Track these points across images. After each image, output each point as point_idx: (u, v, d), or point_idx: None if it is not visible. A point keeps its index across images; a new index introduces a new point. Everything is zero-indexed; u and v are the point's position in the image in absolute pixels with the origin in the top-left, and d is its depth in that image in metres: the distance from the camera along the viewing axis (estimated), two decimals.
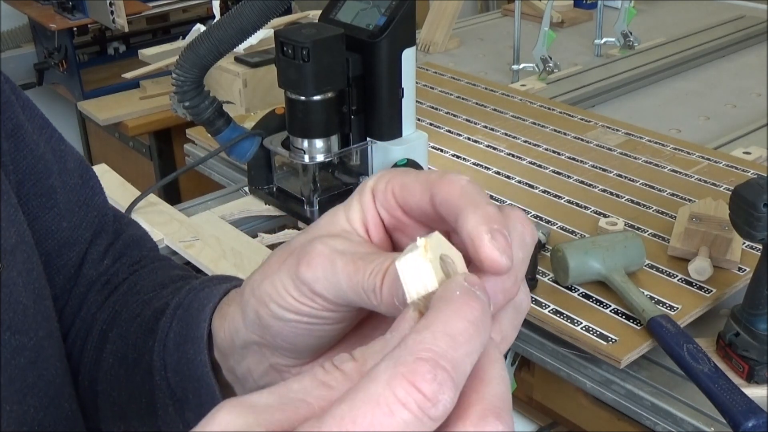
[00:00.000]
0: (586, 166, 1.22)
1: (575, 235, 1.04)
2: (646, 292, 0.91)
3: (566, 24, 1.95)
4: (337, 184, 1.15)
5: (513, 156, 1.26)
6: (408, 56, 1.06)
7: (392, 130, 1.09)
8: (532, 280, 0.92)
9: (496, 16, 2.12)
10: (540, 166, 1.23)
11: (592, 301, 0.91)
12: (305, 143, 1.05)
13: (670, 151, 1.26)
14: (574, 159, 1.24)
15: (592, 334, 0.85)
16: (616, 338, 0.84)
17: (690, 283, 0.93)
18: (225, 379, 0.46)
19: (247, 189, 1.21)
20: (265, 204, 1.17)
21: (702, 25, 1.89)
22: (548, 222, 1.07)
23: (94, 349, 0.55)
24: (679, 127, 1.42)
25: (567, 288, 0.93)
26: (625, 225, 1.04)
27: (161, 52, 1.76)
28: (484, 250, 0.32)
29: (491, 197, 1.14)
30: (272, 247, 1.09)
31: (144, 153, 1.94)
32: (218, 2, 1.62)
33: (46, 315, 0.50)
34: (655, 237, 1.03)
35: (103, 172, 1.25)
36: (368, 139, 1.10)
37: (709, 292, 0.92)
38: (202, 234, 1.08)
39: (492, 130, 1.35)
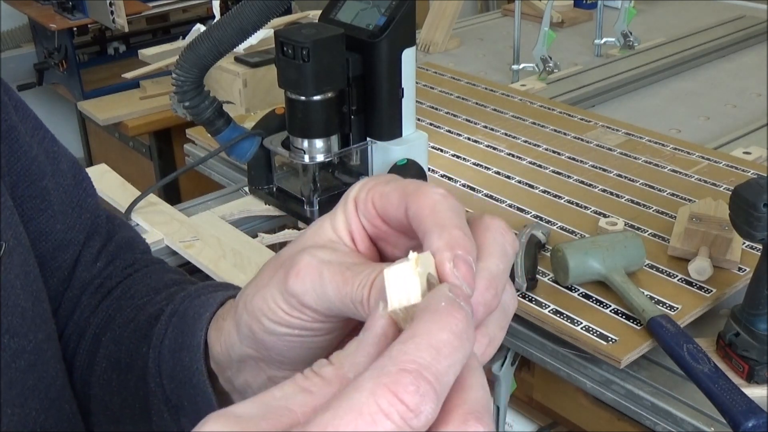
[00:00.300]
0: (586, 166, 1.22)
1: (575, 235, 1.04)
2: (646, 292, 0.91)
3: (566, 24, 1.95)
4: (337, 184, 1.15)
5: (513, 156, 1.26)
6: (408, 56, 1.06)
7: (392, 130, 1.09)
8: (532, 280, 0.92)
9: (496, 16, 2.12)
10: (540, 166, 1.23)
11: (592, 301, 0.91)
12: (305, 143, 1.05)
13: (670, 151, 1.26)
14: (574, 159, 1.24)
15: (592, 334, 0.85)
16: (616, 338, 0.84)
17: (690, 283, 0.93)
18: (222, 387, 0.46)
19: (247, 189, 1.21)
20: (265, 204, 1.17)
21: (702, 25, 1.89)
22: (548, 222, 1.07)
23: (86, 352, 0.55)
24: (679, 127, 1.42)
25: (567, 288, 0.93)
26: (625, 225, 1.04)
27: (161, 52, 1.76)
28: (446, 279, 0.32)
29: (491, 197, 1.14)
30: (272, 247, 1.09)
31: (144, 153, 1.94)
32: (218, 2, 1.62)
33: (45, 317, 0.50)
34: (655, 237, 1.03)
35: (103, 172, 1.25)
36: (368, 139, 1.10)
37: (709, 292, 0.91)
38: (202, 234, 1.08)
39: (492, 130, 1.35)
